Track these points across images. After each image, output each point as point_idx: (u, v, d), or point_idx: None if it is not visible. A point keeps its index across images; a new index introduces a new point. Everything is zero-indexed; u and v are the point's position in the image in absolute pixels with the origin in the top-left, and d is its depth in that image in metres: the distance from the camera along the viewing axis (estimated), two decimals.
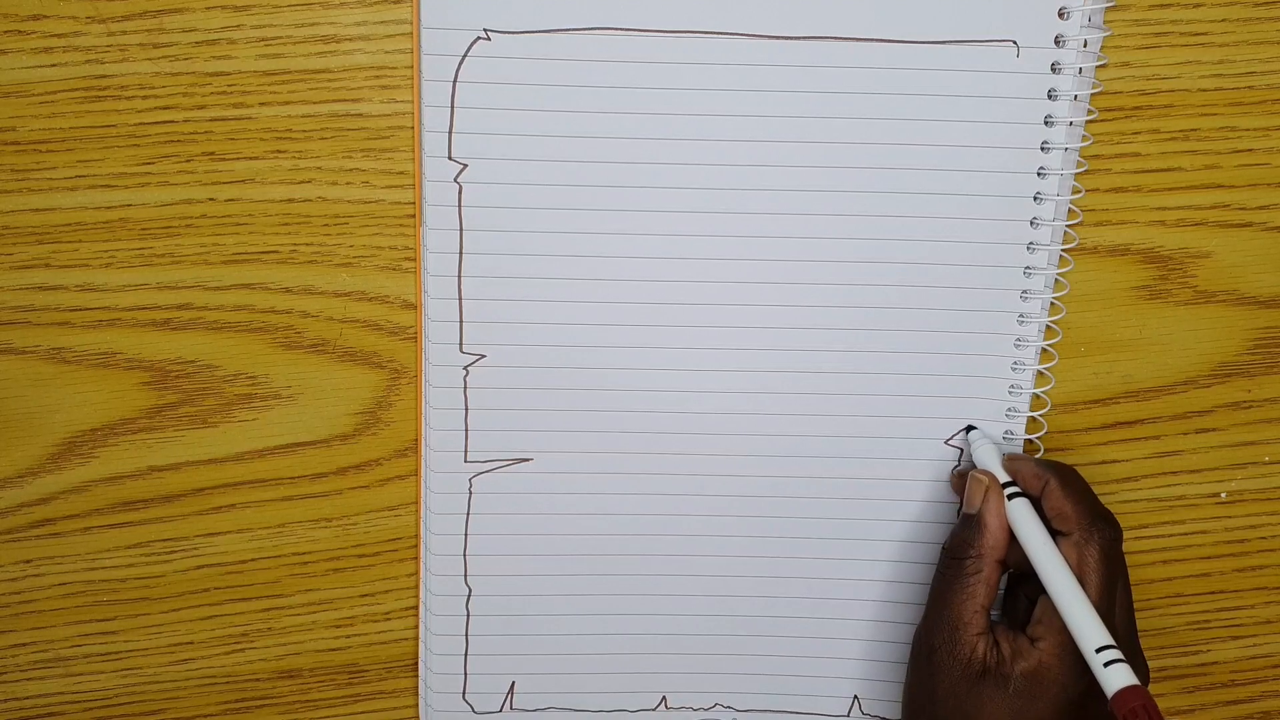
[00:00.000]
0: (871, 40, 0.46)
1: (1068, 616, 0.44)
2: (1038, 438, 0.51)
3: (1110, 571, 0.45)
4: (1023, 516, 0.46)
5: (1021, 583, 0.49)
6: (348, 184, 0.47)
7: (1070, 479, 0.46)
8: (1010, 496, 0.47)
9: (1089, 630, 0.43)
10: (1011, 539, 0.46)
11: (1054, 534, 0.46)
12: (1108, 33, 0.47)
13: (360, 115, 0.46)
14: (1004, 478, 0.47)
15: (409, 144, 0.46)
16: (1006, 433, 0.50)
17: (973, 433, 0.50)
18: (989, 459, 0.48)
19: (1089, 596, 0.44)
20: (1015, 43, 0.46)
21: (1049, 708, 0.44)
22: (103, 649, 0.52)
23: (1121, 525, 0.46)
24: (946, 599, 0.46)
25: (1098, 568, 0.45)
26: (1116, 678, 0.42)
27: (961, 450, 0.51)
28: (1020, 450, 0.51)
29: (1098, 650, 0.42)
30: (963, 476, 0.49)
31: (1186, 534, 0.54)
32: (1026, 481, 0.47)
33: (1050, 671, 0.44)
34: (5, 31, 0.44)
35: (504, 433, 0.50)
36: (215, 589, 0.51)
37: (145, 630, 0.52)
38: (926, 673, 0.46)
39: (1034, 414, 0.51)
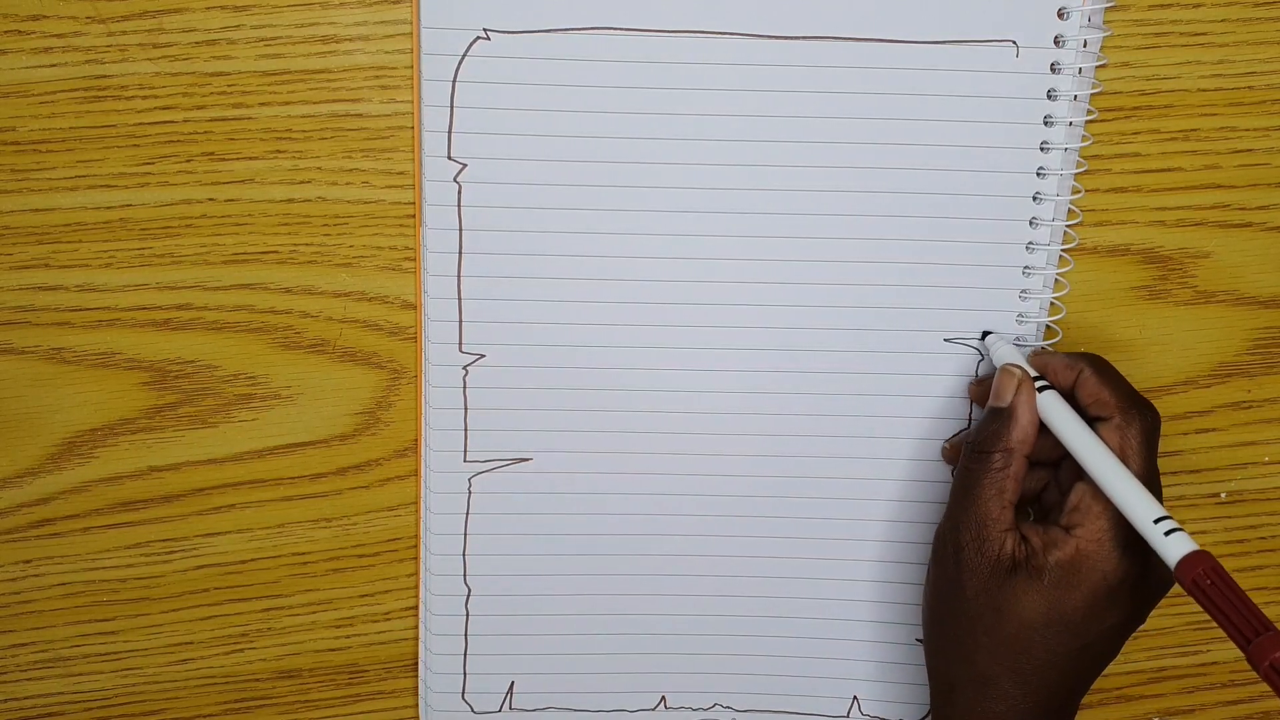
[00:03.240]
0: (871, 40, 0.46)
1: (1117, 495, 0.43)
2: None
3: (1153, 454, 0.44)
4: (1056, 406, 0.45)
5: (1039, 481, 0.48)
6: (348, 184, 0.47)
7: (1105, 366, 0.46)
8: (1039, 390, 0.46)
9: (1142, 504, 0.42)
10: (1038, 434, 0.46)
11: (1090, 422, 0.45)
12: (1108, 33, 0.47)
13: (360, 115, 0.46)
14: (1032, 373, 0.46)
15: (409, 144, 0.46)
16: None
17: (990, 336, 0.49)
18: (1014, 357, 0.47)
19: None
20: (1015, 43, 0.46)
21: (1086, 596, 0.44)
22: (103, 649, 0.52)
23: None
24: (974, 496, 0.45)
25: (1140, 449, 0.44)
26: (1179, 545, 0.41)
27: (979, 360, 0.50)
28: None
29: (1156, 521, 0.41)
30: (981, 384, 0.49)
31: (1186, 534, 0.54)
32: (1057, 373, 0.46)
33: (1089, 559, 0.44)
34: (5, 31, 0.44)
35: (503, 432, 0.50)
36: (215, 589, 0.51)
37: (145, 630, 0.52)
38: (954, 572, 0.45)
39: None
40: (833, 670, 0.54)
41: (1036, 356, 0.47)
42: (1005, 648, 0.44)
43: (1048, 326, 0.50)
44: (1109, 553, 0.44)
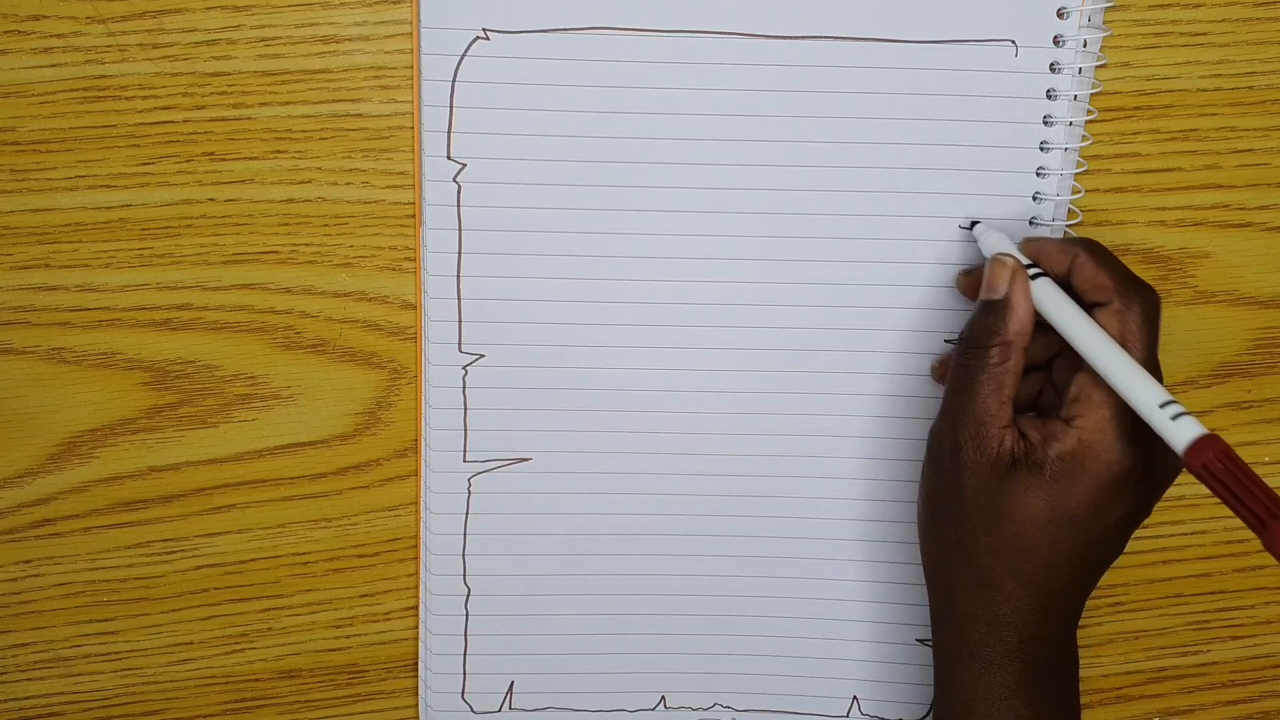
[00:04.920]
0: (870, 40, 0.46)
1: (1119, 381, 0.41)
2: None
3: (1154, 338, 0.43)
4: (1052, 293, 0.43)
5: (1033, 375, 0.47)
6: (348, 184, 0.47)
7: (1100, 250, 0.44)
8: (1032, 279, 0.44)
9: (1147, 389, 0.40)
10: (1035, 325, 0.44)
11: (1088, 308, 0.43)
12: (1107, 33, 0.47)
13: (360, 115, 0.46)
14: (1024, 261, 0.44)
15: (409, 144, 0.46)
16: None
17: (978, 226, 0.47)
18: (1004, 246, 0.45)
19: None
20: (1014, 42, 0.46)
21: (1089, 489, 0.42)
22: (103, 649, 0.52)
23: None
24: (971, 391, 0.43)
25: (1141, 333, 0.42)
26: (1187, 429, 0.39)
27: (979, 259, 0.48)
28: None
29: (1162, 406, 0.39)
30: (969, 275, 0.47)
31: (1186, 534, 0.54)
32: (1051, 259, 0.44)
33: (1092, 449, 0.42)
34: (5, 31, 0.44)
35: (503, 432, 0.50)
36: (215, 589, 0.52)
37: (145, 630, 0.52)
38: (952, 472, 0.44)
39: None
40: (832, 670, 0.54)
41: (1029, 243, 0.45)
42: (1007, 547, 0.43)
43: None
44: (1112, 442, 0.42)
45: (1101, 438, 0.42)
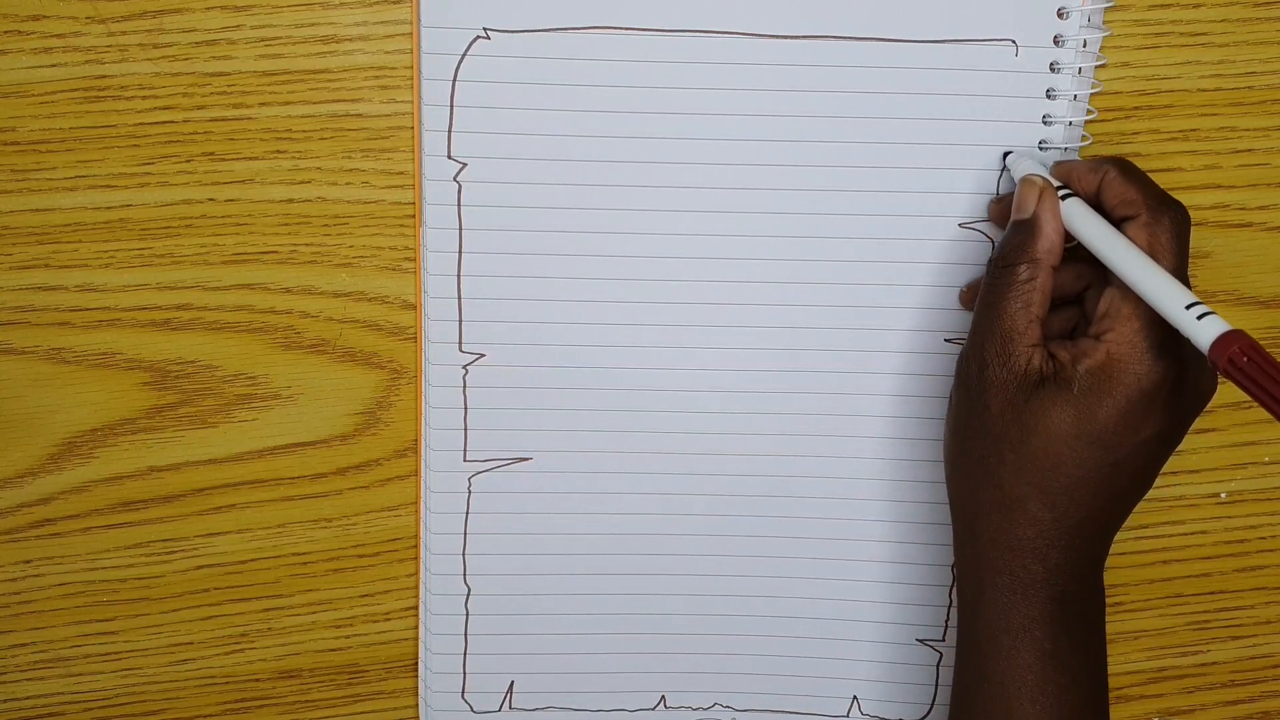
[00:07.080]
0: (870, 39, 0.46)
1: (1146, 288, 0.41)
2: None
3: (1184, 253, 0.42)
4: (1080, 211, 0.43)
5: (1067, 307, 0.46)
6: (348, 184, 0.47)
7: (1130, 167, 0.44)
8: (1062, 199, 0.44)
9: (1173, 293, 0.40)
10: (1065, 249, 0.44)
11: (1117, 224, 0.43)
12: (1107, 33, 0.47)
13: (360, 115, 0.46)
14: (1055, 183, 0.44)
15: (409, 144, 0.46)
16: None
17: (1010, 155, 0.47)
18: (1034, 168, 0.45)
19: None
20: (1014, 42, 0.46)
21: (1118, 403, 0.41)
22: (103, 649, 0.52)
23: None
24: (999, 310, 0.43)
25: (1170, 245, 0.42)
26: (1212, 326, 0.39)
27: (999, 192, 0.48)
28: None
29: (1187, 307, 0.39)
30: (1001, 202, 0.47)
31: (1186, 534, 0.54)
32: (1081, 179, 0.44)
33: (1120, 362, 0.42)
34: (5, 31, 0.44)
35: (503, 432, 0.50)
36: (215, 589, 0.51)
37: (145, 630, 0.52)
38: (978, 390, 0.43)
39: None
40: (833, 670, 0.54)
41: (1059, 166, 0.46)
42: (1033, 464, 0.42)
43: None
44: (1142, 355, 0.41)
45: (1131, 350, 0.42)
